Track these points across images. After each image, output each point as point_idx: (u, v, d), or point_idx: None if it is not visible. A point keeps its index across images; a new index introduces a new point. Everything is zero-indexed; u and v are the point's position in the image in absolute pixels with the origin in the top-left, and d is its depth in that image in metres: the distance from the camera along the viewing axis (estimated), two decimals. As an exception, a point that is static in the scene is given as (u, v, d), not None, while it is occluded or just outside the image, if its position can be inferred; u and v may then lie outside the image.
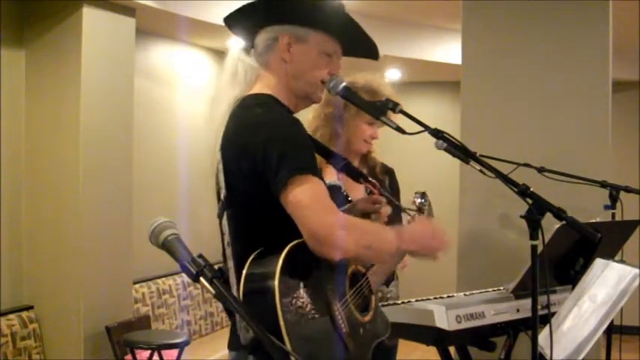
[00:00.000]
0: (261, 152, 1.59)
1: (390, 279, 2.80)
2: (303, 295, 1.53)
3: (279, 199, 1.57)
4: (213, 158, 1.74)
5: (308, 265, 1.56)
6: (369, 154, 2.75)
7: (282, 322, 1.46)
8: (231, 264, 1.64)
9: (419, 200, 2.22)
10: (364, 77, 2.65)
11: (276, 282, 1.48)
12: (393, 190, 2.76)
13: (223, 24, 1.87)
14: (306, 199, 1.54)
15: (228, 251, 1.65)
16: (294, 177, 1.55)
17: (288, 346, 1.44)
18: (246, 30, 1.81)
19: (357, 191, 2.60)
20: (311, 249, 1.53)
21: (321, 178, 1.63)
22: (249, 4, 1.77)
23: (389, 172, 2.80)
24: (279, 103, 1.74)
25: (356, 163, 2.66)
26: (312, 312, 1.53)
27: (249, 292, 1.53)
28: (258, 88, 1.77)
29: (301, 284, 1.53)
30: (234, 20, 1.81)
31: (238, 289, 1.55)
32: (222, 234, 1.67)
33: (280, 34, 1.75)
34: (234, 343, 1.68)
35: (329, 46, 1.79)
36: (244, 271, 1.55)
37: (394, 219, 2.26)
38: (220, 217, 1.70)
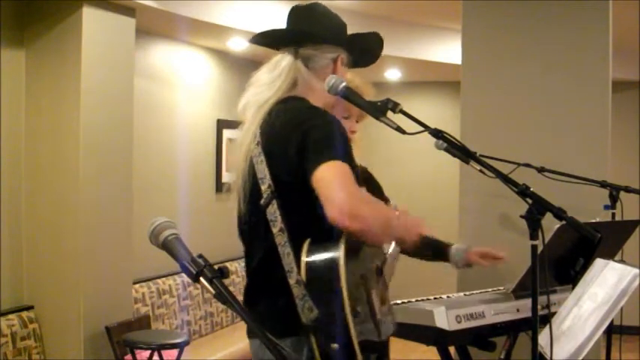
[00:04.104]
0: (301, 140, 1.73)
1: None
2: (355, 281, 1.67)
3: (310, 182, 1.68)
4: (247, 153, 1.85)
5: (355, 254, 1.71)
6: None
7: (347, 305, 1.60)
8: (287, 249, 1.72)
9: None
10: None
11: (342, 268, 1.62)
12: (376, 190, 2.70)
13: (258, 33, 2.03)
14: (331, 175, 1.67)
15: (281, 237, 1.73)
16: (327, 162, 1.68)
17: (353, 332, 1.59)
18: (297, 41, 1.96)
19: None
20: (332, 220, 1.63)
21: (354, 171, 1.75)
22: (311, 24, 1.99)
23: (367, 181, 2.66)
24: None
25: None
26: (361, 296, 1.69)
27: (314, 275, 1.66)
28: (300, 93, 1.92)
29: (353, 270, 1.67)
30: (289, 34, 2.00)
31: (299, 272, 1.68)
32: (271, 221, 1.76)
33: (339, 56, 1.98)
34: (289, 329, 1.72)
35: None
36: (304, 259, 1.67)
37: None
38: (266, 206, 1.77)
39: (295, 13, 2.04)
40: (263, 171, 1.79)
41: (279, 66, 1.93)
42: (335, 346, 1.62)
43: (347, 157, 1.73)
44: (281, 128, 1.80)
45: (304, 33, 1.98)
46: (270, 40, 2.03)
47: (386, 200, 2.59)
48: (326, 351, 1.64)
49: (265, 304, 1.80)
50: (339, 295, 1.60)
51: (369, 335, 1.71)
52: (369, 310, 1.73)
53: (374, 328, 1.74)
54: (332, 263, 1.63)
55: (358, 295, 1.68)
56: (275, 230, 1.74)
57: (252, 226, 1.86)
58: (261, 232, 1.79)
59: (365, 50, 2.08)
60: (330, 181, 1.65)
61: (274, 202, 1.76)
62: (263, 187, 1.78)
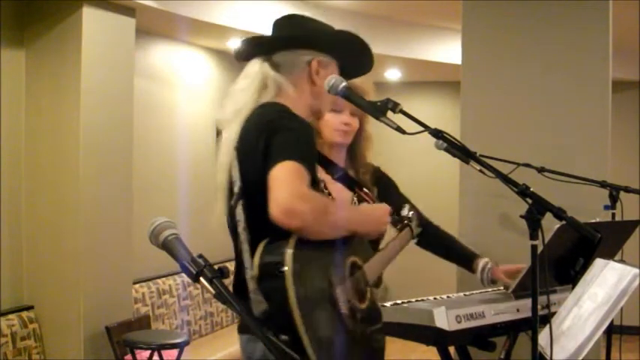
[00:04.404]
0: (266, 143, 1.76)
1: (378, 283, 2.77)
2: (309, 278, 1.68)
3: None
4: (227, 157, 1.90)
5: (313, 252, 1.71)
6: (363, 162, 2.60)
7: (293, 302, 1.60)
8: (245, 247, 1.78)
9: (407, 213, 2.23)
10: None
11: (288, 266, 1.63)
12: (391, 188, 2.70)
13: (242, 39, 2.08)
14: (282, 175, 1.68)
15: (243, 235, 1.80)
16: (282, 162, 1.70)
17: (300, 325, 1.60)
18: (269, 49, 2.00)
19: (336, 186, 2.55)
20: (273, 218, 1.65)
21: (313, 176, 1.77)
22: (285, 31, 2.06)
23: (379, 180, 2.65)
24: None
25: (332, 155, 2.56)
26: (317, 293, 1.69)
27: (264, 274, 1.69)
28: (277, 99, 1.94)
29: (307, 268, 1.68)
30: (260, 42, 2.04)
31: (252, 270, 1.72)
32: (237, 220, 1.82)
33: (313, 58, 1.99)
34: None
35: (336, 70, 2.06)
36: (257, 256, 1.70)
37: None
38: (235, 205, 1.83)
39: (275, 25, 2.10)
40: (236, 174, 1.86)
41: (250, 72, 1.98)
42: (285, 337, 1.63)
43: (307, 159, 1.75)
44: (253, 132, 1.84)
45: (271, 39, 2.03)
46: (246, 49, 2.05)
47: (403, 199, 2.59)
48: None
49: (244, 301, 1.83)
50: (285, 288, 1.63)
51: (331, 328, 1.71)
52: (332, 305, 1.72)
53: (339, 321, 1.73)
54: (280, 258, 1.66)
55: (314, 291, 1.69)
56: (240, 229, 1.81)
57: (230, 227, 1.93)
58: (234, 232, 1.86)
59: (350, 50, 2.07)
60: (279, 179, 1.68)
61: (240, 202, 1.82)
62: (235, 189, 1.85)
